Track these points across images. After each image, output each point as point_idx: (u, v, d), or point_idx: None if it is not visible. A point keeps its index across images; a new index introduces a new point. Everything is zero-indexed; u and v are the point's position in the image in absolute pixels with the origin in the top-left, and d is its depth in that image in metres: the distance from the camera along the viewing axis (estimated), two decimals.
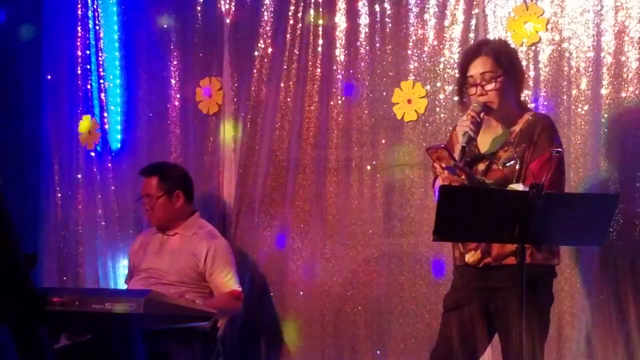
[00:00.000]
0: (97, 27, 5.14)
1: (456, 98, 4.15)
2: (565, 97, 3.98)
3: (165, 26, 4.96)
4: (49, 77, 5.26)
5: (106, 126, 5.11)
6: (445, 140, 3.99)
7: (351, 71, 4.47)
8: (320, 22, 4.53)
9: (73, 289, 4.84)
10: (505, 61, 3.20)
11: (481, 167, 3.20)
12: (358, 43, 4.46)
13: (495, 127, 3.27)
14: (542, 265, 3.15)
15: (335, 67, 4.50)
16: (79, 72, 5.19)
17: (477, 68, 3.20)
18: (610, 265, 3.83)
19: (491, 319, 3.21)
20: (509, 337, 3.04)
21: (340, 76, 4.49)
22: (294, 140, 4.59)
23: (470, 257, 3.21)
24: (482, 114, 3.16)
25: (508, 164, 3.15)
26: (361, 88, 4.45)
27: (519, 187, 3.02)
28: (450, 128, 4.16)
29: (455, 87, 4.16)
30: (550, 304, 3.25)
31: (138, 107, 5.06)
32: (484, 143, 3.25)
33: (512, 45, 3.76)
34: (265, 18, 4.68)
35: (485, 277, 3.19)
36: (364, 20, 4.44)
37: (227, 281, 4.17)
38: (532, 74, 4.01)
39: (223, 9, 4.80)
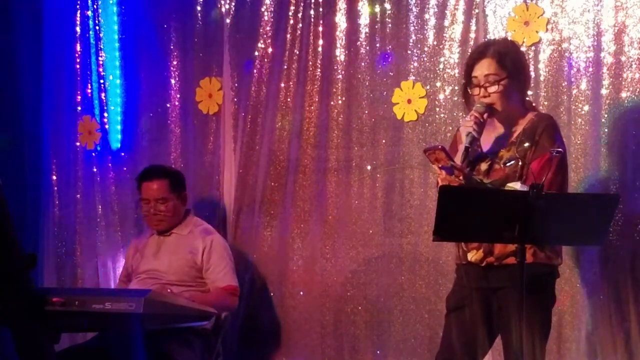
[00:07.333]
0: (97, 27, 5.14)
1: (456, 98, 4.18)
2: (565, 97, 3.99)
3: (165, 26, 4.96)
4: (49, 77, 5.27)
5: (106, 126, 5.11)
6: (446, 141, 4.01)
7: (351, 71, 4.47)
8: (320, 22, 4.53)
9: (73, 289, 4.83)
10: (509, 64, 3.18)
11: (483, 166, 3.19)
12: (358, 43, 4.46)
13: (498, 127, 3.26)
14: (544, 265, 3.15)
15: (335, 67, 4.50)
16: (79, 72, 5.19)
17: (482, 69, 3.19)
18: (610, 265, 3.83)
19: (493, 319, 3.21)
20: (510, 337, 3.04)
21: (340, 76, 4.50)
22: (294, 140, 4.59)
23: (472, 256, 3.21)
24: (485, 115, 3.16)
25: (509, 164, 3.15)
26: (361, 88, 4.45)
27: (516, 185, 3.02)
28: (450, 128, 4.19)
29: (456, 87, 4.19)
30: (552, 304, 3.25)
31: (138, 107, 5.06)
32: (487, 142, 3.25)
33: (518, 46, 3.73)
34: (265, 18, 4.68)
35: (487, 276, 3.19)
36: (364, 20, 4.44)
37: (223, 276, 4.18)
38: (532, 74, 3.99)
39: (223, 9, 4.80)
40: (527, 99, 3.37)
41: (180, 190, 4.33)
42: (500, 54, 3.20)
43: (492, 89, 3.18)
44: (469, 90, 3.25)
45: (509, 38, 3.93)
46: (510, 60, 3.20)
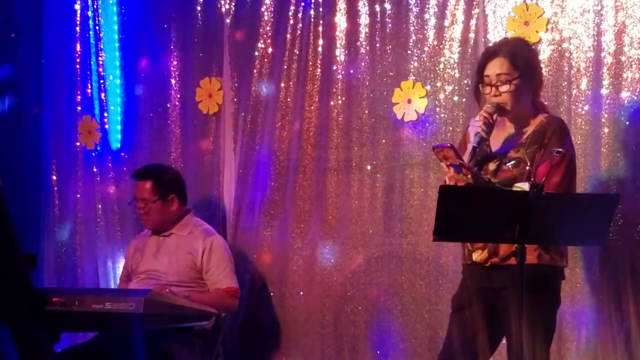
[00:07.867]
0: (97, 27, 5.15)
1: (456, 98, 4.18)
2: (565, 97, 3.98)
3: (165, 26, 4.96)
4: (49, 77, 5.28)
5: (106, 126, 5.11)
6: (446, 140, 4.01)
7: (351, 71, 4.47)
8: (320, 22, 4.53)
9: (73, 289, 4.83)
10: (521, 63, 3.17)
11: (492, 166, 3.19)
12: (358, 43, 4.46)
13: (508, 127, 3.26)
14: (549, 267, 3.14)
15: (335, 67, 4.50)
16: (79, 72, 5.19)
17: (494, 69, 3.19)
18: (610, 265, 3.83)
19: (497, 319, 3.20)
20: (514, 337, 3.03)
21: (340, 76, 4.50)
22: (294, 140, 4.59)
23: (477, 256, 3.20)
24: (495, 115, 3.15)
25: (509, 164, 3.15)
26: (361, 88, 4.45)
27: (524, 186, 3.01)
28: (451, 128, 4.19)
29: (456, 87, 4.18)
30: (556, 307, 3.24)
31: (138, 107, 5.07)
32: (496, 142, 3.25)
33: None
34: (265, 18, 4.68)
35: (491, 276, 3.18)
36: (364, 20, 4.44)
37: (223, 278, 4.17)
38: None
39: (223, 9, 4.81)
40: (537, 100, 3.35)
41: (166, 192, 4.25)
42: (512, 54, 3.19)
43: (504, 88, 3.17)
44: (480, 89, 3.25)
45: (523, 38, 3.91)
46: (522, 60, 3.19)
